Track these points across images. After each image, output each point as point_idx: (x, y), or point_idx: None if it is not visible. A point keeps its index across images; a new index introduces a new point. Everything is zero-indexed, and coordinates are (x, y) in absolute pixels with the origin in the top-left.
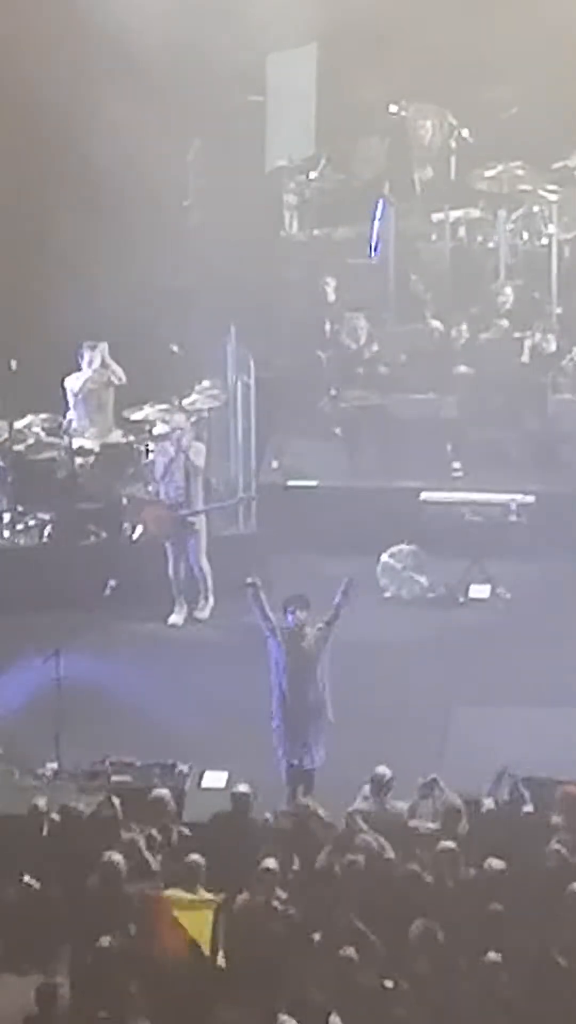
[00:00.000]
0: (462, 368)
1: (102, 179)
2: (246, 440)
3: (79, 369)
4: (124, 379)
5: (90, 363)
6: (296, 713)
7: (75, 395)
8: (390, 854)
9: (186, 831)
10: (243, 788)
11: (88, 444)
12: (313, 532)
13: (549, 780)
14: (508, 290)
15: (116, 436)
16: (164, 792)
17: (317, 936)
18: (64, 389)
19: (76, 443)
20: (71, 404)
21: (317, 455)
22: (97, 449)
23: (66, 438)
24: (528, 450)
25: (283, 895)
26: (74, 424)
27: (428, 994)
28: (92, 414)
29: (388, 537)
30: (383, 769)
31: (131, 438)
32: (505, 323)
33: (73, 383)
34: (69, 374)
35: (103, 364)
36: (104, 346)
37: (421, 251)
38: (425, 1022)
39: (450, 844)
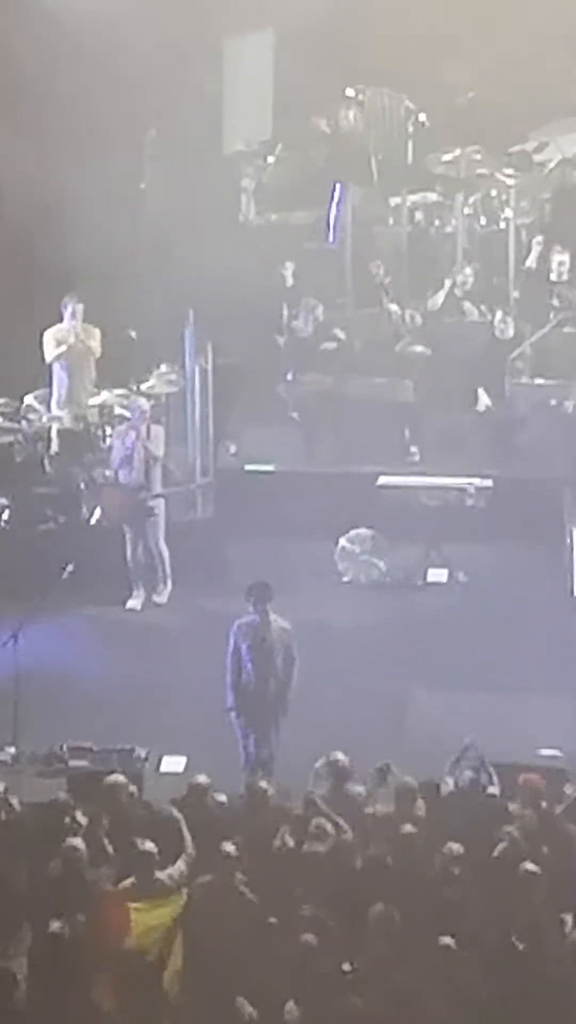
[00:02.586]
0: (418, 348)
1: (57, 163)
2: (204, 424)
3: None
4: (99, 349)
5: (72, 314)
6: (258, 702)
7: (57, 360)
8: (349, 835)
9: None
10: (201, 779)
11: (49, 428)
12: (271, 516)
13: (510, 765)
14: (468, 272)
15: (74, 420)
16: (120, 778)
17: (274, 920)
18: (40, 356)
19: (34, 428)
20: (51, 371)
21: (274, 440)
22: (57, 433)
23: (24, 422)
24: (485, 434)
25: (241, 879)
26: (54, 397)
27: (386, 978)
28: (72, 388)
29: (346, 521)
30: (340, 755)
31: (90, 422)
32: (463, 306)
33: (53, 340)
34: (25, 364)
35: (83, 324)
36: (82, 307)
37: (378, 235)
38: (383, 1006)
39: (409, 828)
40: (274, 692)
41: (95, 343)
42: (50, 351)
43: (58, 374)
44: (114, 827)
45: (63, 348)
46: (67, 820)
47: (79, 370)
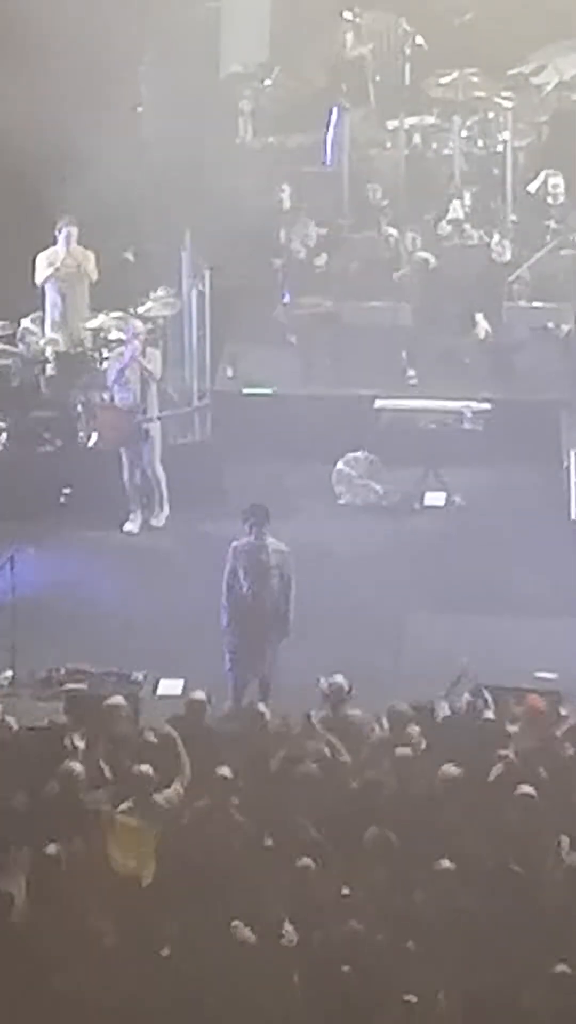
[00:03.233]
0: (424, 255)
1: (54, 85)
2: (201, 347)
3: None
4: (95, 273)
5: (67, 238)
6: (254, 624)
7: (48, 282)
8: (346, 757)
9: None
10: (198, 695)
11: (46, 351)
12: (268, 440)
13: (507, 688)
14: (465, 196)
15: (72, 343)
16: (119, 699)
17: (270, 842)
18: (35, 285)
19: (32, 350)
20: (44, 294)
21: (272, 362)
22: (54, 357)
23: (20, 346)
24: (483, 357)
25: (238, 801)
26: (47, 321)
27: (383, 901)
28: (66, 311)
29: (343, 444)
30: (339, 678)
31: (87, 345)
32: (463, 228)
33: (45, 262)
34: (22, 287)
35: (77, 247)
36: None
37: (375, 158)
38: (380, 929)
39: (405, 751)
40: (271, 614)
41: (90, 266)
42: (42, 273)
43: (51, 297)
44: (111, 750)
45: (52, 270)
46: (65, 743)
47: (72, 293)
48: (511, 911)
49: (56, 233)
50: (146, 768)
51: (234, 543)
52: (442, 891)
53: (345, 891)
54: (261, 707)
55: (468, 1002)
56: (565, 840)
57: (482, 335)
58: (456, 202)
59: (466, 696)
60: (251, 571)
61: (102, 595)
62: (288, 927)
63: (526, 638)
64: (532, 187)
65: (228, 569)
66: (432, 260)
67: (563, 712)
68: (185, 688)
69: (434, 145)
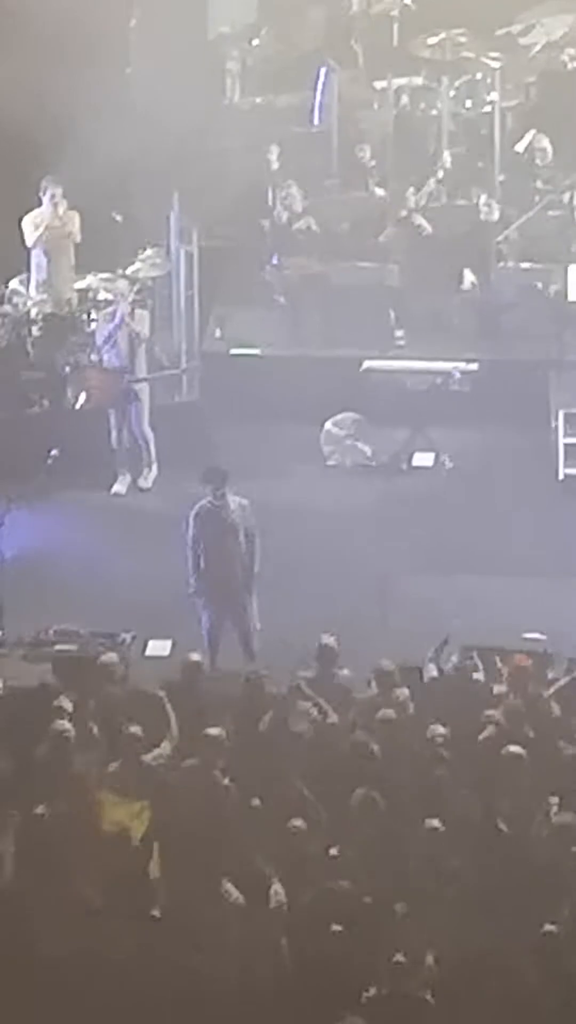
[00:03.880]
0: (419, 221)
1: (41, 45)
2: (189, 308)
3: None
4: (79, 234)
5: (52, 198)
6: (222, 583)
7: (36, 245)
8: (334, 718)
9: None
10: (194, 657)
11: (32, 312)
12: (256, 400)
13: (494, 648)
14: (451, 157)
15: (59, 304)
16: (113, 657)
17: (258, 802)
18: (22, 240)
19: (20, 311)
20: (30, 255)
21: (260, 323)
22: (41, 318)
23: (8, 307)
24: (472, 318)
25: (226, 762)
26: (32, 282)
27: (372, 862)
28: (51, 272)
29: (331, 405)
30: (328, 639)
31: (74, 306)
32: (449, 190)
33: (32, 224)
34: (9, 248)
35: (63, 207)
36: (61, 191)
37: (364, 119)
38: (369, 890)
39: (390, 713)
40: (241, 572)
41: (74, 227)
42: (30, 236)
43: (37, 258)
44: (100, 710)
45: (39, 232)
46: (55, 703)
47: (58, 254)
48: (500, 871)
49: (40, 194)
50: (135, 729)
51: (193, 510)
52: (431, 851)
53: (334, 851)
54: (255, 667)
55: (457, 961)
56: (553, 800)
57: (467, 286)
58: (444, 162)
59: (454, 658)
60: (216, 533)
61: (90, 556)
62: (277, 887)
63: (514, 598)
64: (520, 147)
65: (190, 536)
66: (430, 229)
67: (550, 672)
68: (173, 649)
69: (422, 105)
